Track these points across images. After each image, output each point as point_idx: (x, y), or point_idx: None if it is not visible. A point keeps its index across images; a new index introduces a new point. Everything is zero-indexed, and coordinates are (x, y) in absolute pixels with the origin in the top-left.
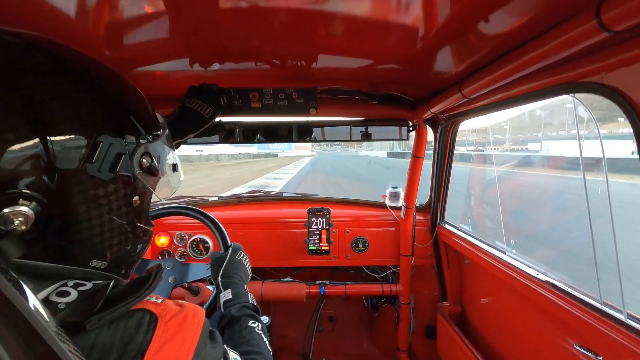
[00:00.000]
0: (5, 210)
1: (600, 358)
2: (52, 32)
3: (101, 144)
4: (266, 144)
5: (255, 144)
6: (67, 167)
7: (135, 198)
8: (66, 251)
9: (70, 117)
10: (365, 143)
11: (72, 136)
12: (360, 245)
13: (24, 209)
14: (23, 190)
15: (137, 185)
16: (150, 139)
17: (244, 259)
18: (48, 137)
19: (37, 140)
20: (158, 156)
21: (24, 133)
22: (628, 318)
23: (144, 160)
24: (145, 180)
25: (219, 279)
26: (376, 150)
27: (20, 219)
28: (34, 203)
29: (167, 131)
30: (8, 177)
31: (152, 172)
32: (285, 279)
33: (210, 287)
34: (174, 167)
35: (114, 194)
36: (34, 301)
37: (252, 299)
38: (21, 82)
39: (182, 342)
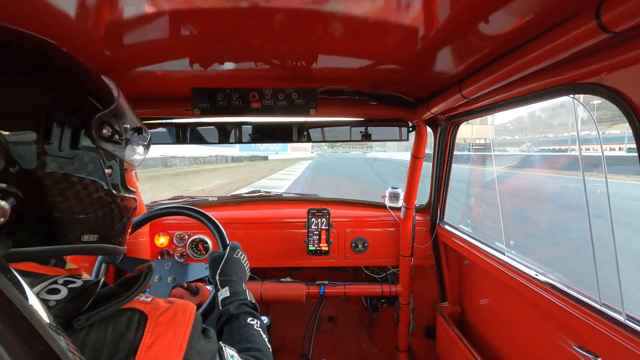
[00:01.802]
0: None
1: (599, 359)
2: (52, 32)
3: (54, 122)
4: (254, 144)
5: (237, 145)
6: (26, 152)
7: (108, 170)
8: (55, 232)
9: (14, 101)
10: (373, 143)
11: (20, 120)
12: (360, 246)
13: None
14: None
15: (105, 156)
16: (104, 108)
17: (241, 257)
18: None
19: None
20: (118, 123)
21: None
22: (627, 319)
23: (104, 131)
24: (111, 150)
25: (217, 277)
26: (391, 152)
27: None
28: (4, 194)
29: (121, 96)
30: None
31: (116, 140)
32: (284, 279)
33: (209, 287)
34: (139, 130)
35: (83, 170)
36: (33, 300)
37: (250, 297)
38: None
39: (174, 335)
